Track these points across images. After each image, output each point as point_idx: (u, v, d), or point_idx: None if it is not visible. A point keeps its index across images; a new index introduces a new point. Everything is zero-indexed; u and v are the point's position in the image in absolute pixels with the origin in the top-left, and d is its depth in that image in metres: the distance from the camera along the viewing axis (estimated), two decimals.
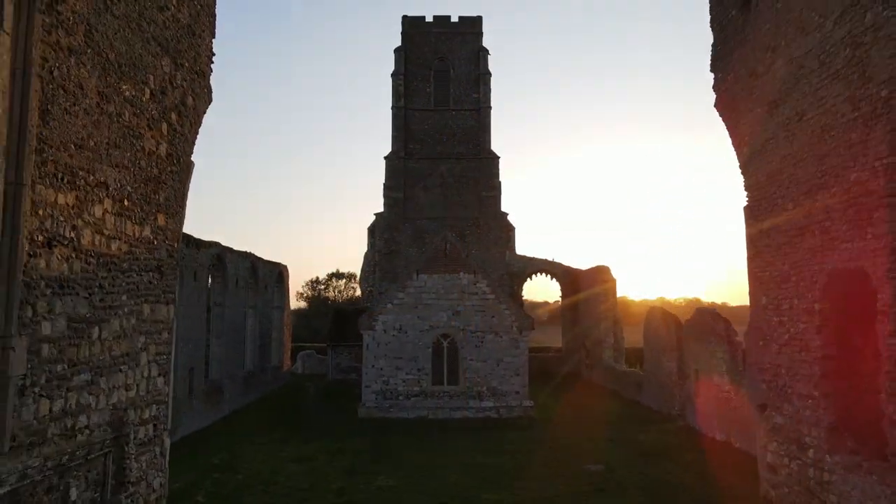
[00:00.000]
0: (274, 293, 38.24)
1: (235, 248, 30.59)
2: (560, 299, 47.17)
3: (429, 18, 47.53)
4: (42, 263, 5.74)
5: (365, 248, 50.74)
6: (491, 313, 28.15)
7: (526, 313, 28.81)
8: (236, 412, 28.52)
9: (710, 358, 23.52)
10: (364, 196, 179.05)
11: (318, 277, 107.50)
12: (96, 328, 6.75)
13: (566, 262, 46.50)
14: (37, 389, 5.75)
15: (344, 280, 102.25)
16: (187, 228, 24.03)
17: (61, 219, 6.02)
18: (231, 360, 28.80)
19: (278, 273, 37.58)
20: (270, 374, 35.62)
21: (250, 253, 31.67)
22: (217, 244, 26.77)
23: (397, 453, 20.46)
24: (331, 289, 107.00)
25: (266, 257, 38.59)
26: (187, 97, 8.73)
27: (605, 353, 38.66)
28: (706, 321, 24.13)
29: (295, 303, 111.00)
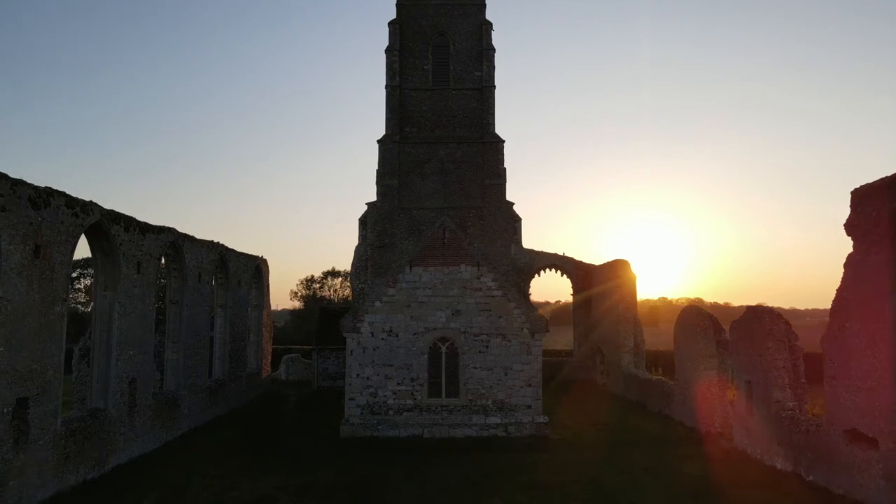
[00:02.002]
0: (251, 290, 33.93)
1: (227, 245, 26.45)
2: (571, 297, 42.80)
3: None
4: None
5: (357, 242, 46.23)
6: (498, 313, 23.81)
7: (539, 313, 24.47)
8: (197, 430, 24.19)
9: (767, 368, 19.17)
10: (361, 189, 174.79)
11: (312, 276, 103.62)
12: None
13: (577, 257, 42.17)
14: None
15: (340, 279, 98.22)
16: (140, 216, 19.25)
17: None
18: (192, 367, 24.48)
19: (255, 268, 33.24)
20: (245, 383, 31.30)
21: (218, 243, 27.33)
22: (171, 230, 22.43)
23: (383, 490, 16.14)
24: (326, 287, 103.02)
25: (265, 259, 34.53)
26: None
27: (623, 359, 34.30)
28: (760, 323, 19.76)
29: (289, 302, 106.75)
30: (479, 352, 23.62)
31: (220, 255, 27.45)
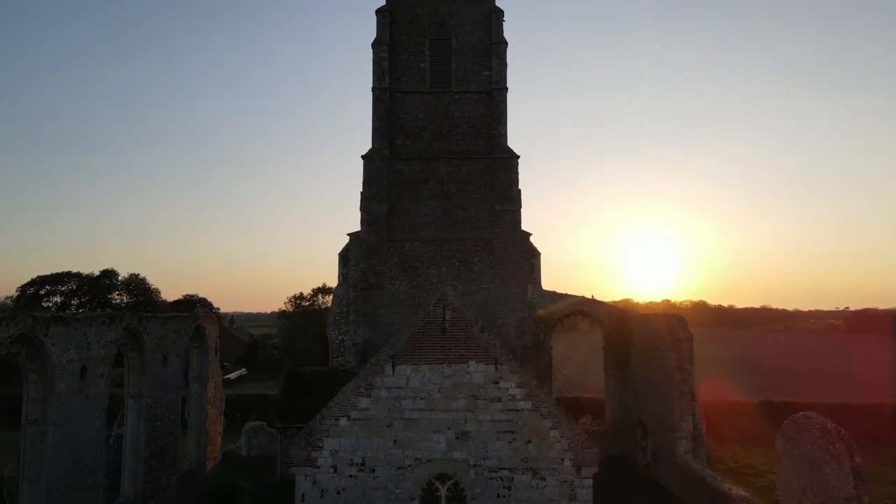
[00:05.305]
0: (193, 357, 25.94)
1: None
2: (603, 350, 34.67)
3: None
4: None
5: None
6: (526, 435, 15.75)
7: (584, 435, 16.34)
8: None
9: None
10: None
11: (301, 293, 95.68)
12: None
13: (608, 300, 34.16)
14: None
15: (332, 295, 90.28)
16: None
17: None
18: None
19: (195, 329, 25.13)
20: (178, 490, 23.23)
21: (124, 314, 19.25)
22: (21, 316, 14.34)
23: None
24: (317, 305, 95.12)
25: (210, 315, 26.50)
26: None
27: (679, 446, 26.16)
28: None
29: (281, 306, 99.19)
30: (498, 496, 15.56)
31: (127, 330, 19.32)
